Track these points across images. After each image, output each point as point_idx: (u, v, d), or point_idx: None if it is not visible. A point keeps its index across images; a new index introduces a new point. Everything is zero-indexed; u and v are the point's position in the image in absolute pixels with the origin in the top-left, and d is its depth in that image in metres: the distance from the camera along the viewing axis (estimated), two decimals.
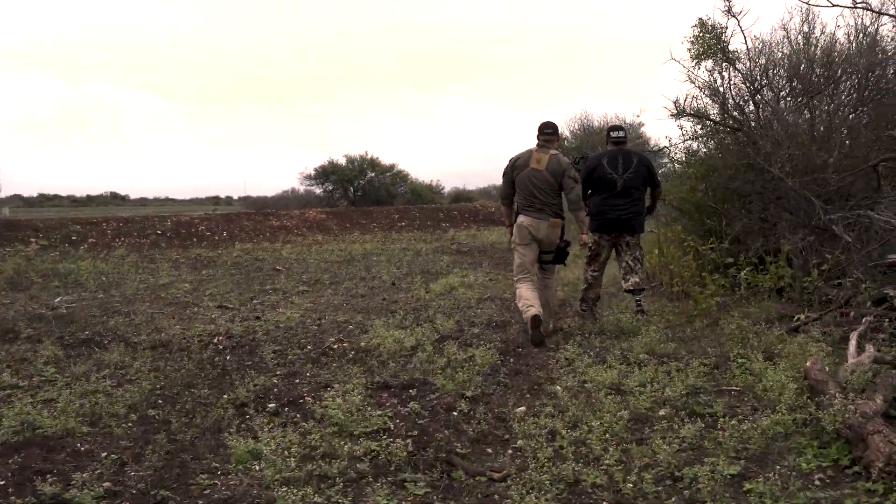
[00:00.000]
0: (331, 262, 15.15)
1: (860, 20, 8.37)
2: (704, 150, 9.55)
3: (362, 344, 6.80)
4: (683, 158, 9.74)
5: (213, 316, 8.70)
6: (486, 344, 6.57)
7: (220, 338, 7.28)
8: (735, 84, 8.62)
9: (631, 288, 7.49)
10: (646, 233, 10.56)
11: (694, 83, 9.18)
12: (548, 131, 6.95)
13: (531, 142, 7.05)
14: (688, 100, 8.83)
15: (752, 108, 8.58)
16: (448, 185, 48.37)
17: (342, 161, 40.18)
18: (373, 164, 40.68)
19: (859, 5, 6.20)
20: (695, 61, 9.00)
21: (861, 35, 8.33)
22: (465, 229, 24.43)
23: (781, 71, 8.50)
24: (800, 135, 7.59)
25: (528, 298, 6.71)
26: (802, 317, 6.28)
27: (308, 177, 40.30)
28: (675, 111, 8.81)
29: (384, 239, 21.35)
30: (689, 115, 8.79)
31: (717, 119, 8.89)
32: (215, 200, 74.56)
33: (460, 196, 45.53)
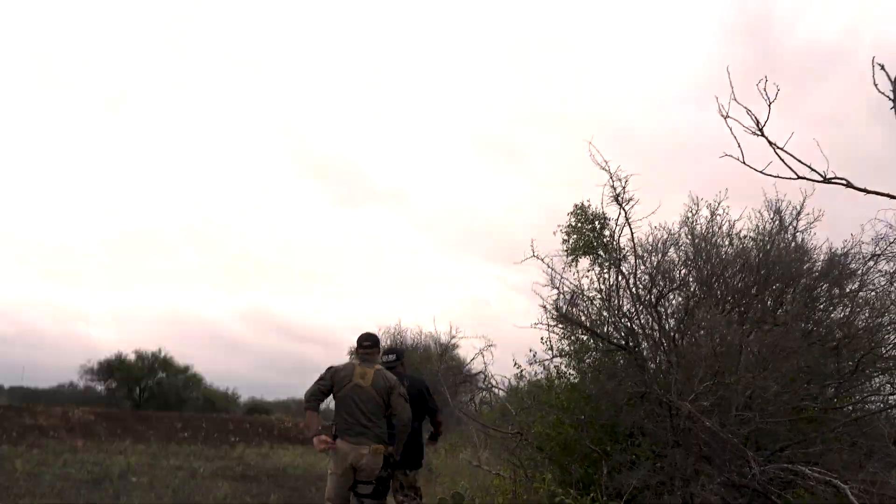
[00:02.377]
0: (73, 480, 11.20)
1: (774, 223, 6.71)
2: (572, 372, 7.24)
3: None
4: (544, 383, 7.36)
5: None
6: None
7: None
8: (631, 286, 6.46)
9: None
10: (492, 473, 8.01)
11: (558, 288, 7.02)
12: (366, 344, 6.14)
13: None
14: (553, 304, 6.57)
15: (643, 320, 6.38)
16: (245, 395, 43.61)
17: (132, 357, 35.26)
18: (165, 363, 35.96)
19: (834, 181, 4.30)
20: (571, 257, 6.91)
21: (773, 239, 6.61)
22: (256, 446, 20.56)
23: (691, 274, 6.50)
24: (724, 358, 5.41)
25: None
26: None
27: (90, 370, 34.86)
28: (556, 315, 6.47)
29: (159, 452, 17.25)
30: (574, 322, 6.48)
31: (601, 332, 6.61)
32: None
33: (256, 407, 40.85)
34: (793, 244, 6.59)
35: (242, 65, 68.88)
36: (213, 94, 69.77)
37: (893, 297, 6.21)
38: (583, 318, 6.54)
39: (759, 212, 7.02)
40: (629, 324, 6.58)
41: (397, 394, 5.89)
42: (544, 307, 6.61)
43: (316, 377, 6.11)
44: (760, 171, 4.39)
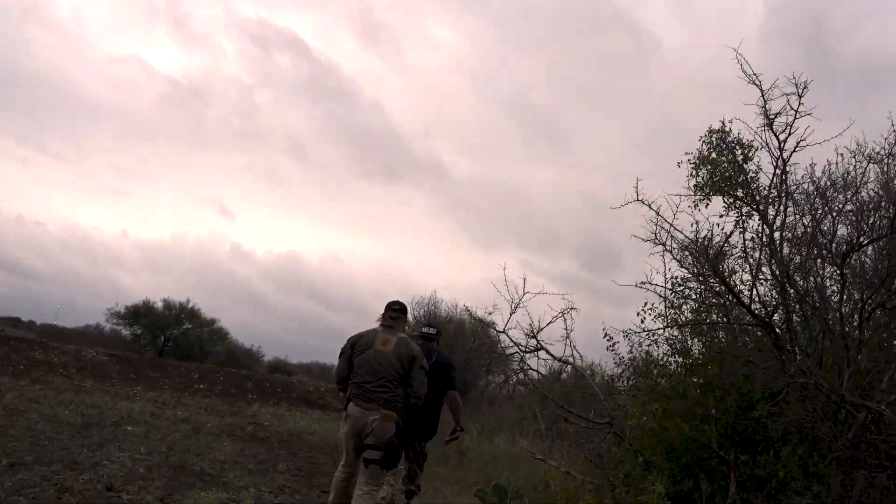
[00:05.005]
0: (60, 422, 9.59)
1: None
2: (697, 348, 5.31)
3: None
4: (641, 363, 5.48)
5: None
6: None
7: None
8: (794, 235, 4.54)
9: (413, 490, 6.48)
10: (560, 470, 6.20)
11: (664, 244, 5.15)
12: (396, 308, 5.86)
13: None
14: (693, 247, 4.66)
15: (806, 285, 4.45)
16: (269, 354, 41.92)
17: (159, 305, 33.84)
18: (192, 314, 34.47)
19: None
20: (700, 195, 5.00)
21: None
22: (273, 406, 18.84)
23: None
24: None
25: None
26: None
27: (117, 314, 33.44)
28: (697, 262, 4.57)
29: (169, 401, 15.66)
30: (718, 277, 4.53)
31: (741, 299, 4.67)
32: (14, 322, 63.37)
33: (279, 367, 39.20)
34: None
35: None
36: None
37: None
38: (725, 274, 4.63)
39: None
40: (777, 292, 4.66)
41: (419, 366, 5.58)
42: (670, 251, 4.72)
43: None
44: None
